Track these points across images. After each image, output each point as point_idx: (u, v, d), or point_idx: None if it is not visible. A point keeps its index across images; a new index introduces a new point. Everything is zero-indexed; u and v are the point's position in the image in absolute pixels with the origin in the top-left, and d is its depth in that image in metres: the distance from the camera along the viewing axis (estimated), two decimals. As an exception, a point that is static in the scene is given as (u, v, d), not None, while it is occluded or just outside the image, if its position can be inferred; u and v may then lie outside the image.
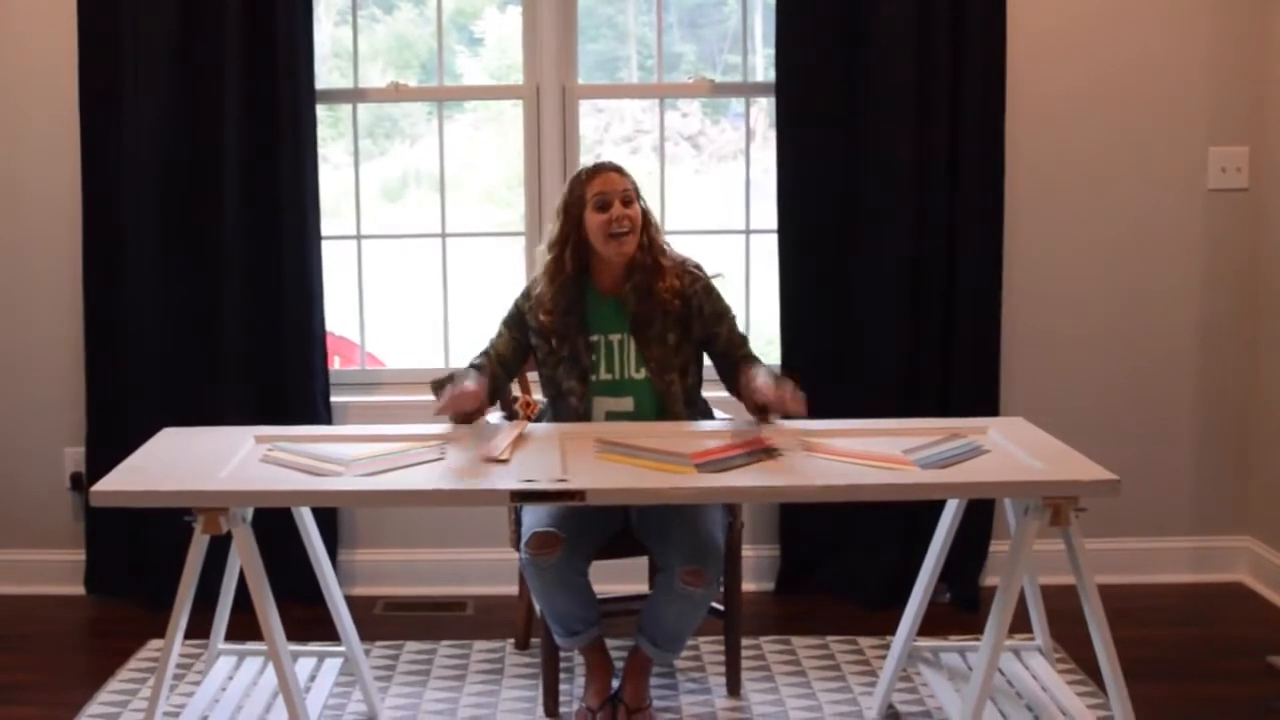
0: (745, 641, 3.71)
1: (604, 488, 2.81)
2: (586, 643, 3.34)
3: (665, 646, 3.31)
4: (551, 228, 3.41)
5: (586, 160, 4.38)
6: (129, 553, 4.23)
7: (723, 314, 3.41)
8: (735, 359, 3.38)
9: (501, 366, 3.41)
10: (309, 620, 3.71)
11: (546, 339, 3.38)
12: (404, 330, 5.69)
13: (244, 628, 3.29)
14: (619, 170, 3.37)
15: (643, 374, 3.37)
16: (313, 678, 3.37)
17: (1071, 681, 3.50)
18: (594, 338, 3.38)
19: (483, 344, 3.46)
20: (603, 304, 3.39)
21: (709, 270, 3.45)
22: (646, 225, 3.37)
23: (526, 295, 3.44)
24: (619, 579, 3.73)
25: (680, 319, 3.36)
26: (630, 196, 3.33)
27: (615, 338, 3.38)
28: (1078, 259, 4.33)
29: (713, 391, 3.53)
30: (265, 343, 4.22)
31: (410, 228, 5.79)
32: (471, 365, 3.39)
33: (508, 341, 3.43)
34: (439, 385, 3.23)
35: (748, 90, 4.50)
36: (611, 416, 3.37)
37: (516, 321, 3.44)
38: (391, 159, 6.27)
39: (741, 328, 3.49)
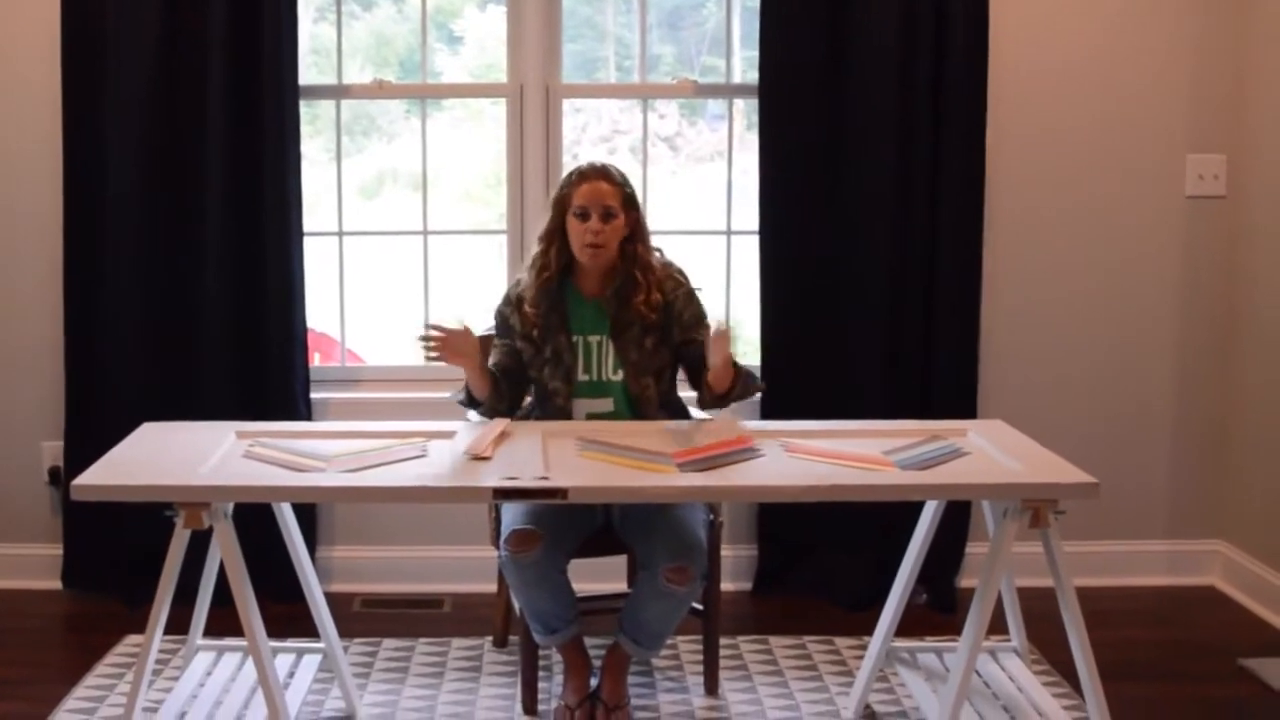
0: (723, 641, 3.72)
1: (586, 486, 2.82)
2: (565, 640, 3.34)
3: (646, 644, 3.32)
4: (547, 216, 3.40)
5: (569, 161, 4.39)
6: (106, 548, 4.20)
7: (702, 318, 3.41)
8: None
9: (504, 375, 3.40)
10: (285, 617, 3.70)
11: (530, 338, 3.38)
12: (383, 327, 5.68)
13: (221, 623, 3.30)
14: (609, 179, 3.33)
15: (619, 376, 3.38)
16: (291, 674, 3.35)
17: (1047, 683, 3.52)
18: (574, 338, 3.38)
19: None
20: (584, 305, 3.40)
21: (693, 281, 3.44)
22: (633, 236, 3.36)
23: (507, 301, 3.45)
24: (598, 577, 3.73)
25: (660, 324, 3.37)
26: (612, 210, 3.31)
27: (594, 339, 3.39)
28: (1056, 263, 4.36)
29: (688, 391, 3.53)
30: (246, 338, 4.20)
31: (387, 225, 5.76)
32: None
33: (502, 350, 3.43)
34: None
35: (730, 91, 4.51)
36: (592, 417, 3.37)
37: (503, 329, 3.44)
38: (368, 156, 6.26)
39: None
